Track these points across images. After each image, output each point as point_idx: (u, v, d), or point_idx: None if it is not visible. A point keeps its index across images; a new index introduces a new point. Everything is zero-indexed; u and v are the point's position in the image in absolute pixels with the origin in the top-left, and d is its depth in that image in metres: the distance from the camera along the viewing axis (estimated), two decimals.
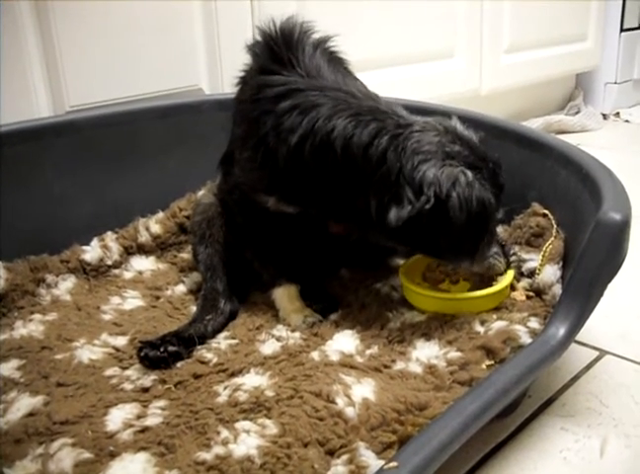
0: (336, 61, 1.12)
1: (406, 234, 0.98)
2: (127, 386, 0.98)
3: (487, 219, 1.02)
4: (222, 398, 0.92)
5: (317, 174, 1.02)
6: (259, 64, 1.08)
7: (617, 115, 2.83)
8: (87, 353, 1.07)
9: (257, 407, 0.89)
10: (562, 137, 1.41)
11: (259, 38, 1.10)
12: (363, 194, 0.99)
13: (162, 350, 1.02)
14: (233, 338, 1.09)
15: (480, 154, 1.02)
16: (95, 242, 1.39)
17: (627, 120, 2.79)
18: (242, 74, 1.15)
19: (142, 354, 1.02)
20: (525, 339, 0.97)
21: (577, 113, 2.74)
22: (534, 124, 2.49)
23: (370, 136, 0.98)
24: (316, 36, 1.11)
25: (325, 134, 0.99)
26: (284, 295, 1.15)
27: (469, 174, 0.98)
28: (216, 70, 1.69)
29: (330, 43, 1.12)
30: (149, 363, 1.01)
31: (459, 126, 1.05)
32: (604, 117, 2.82)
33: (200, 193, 1.46)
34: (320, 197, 1.05)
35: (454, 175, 0.96)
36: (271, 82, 1.04)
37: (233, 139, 1.16)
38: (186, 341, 1.05)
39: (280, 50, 1.06)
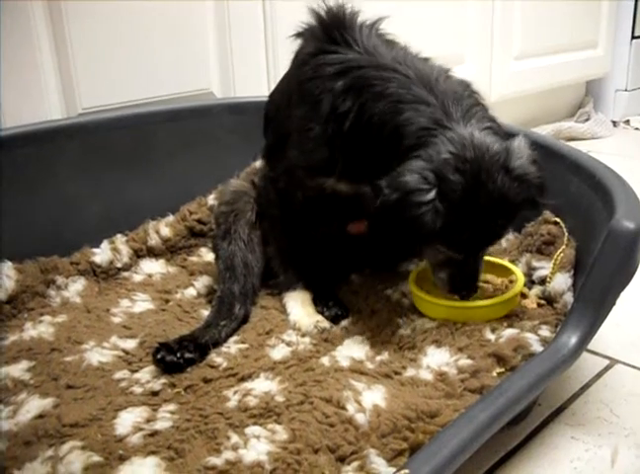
0: (390, 41, 1.12)
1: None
2: (137, 389, 0.98)
3: (407, 222, 0.94)
4: (232, 403, 0.92)
5: (365, 148, 1.03)
6: (316, 46, 1.09)
7: (627, 122, 2.82)
8: (96, 355, 1.07)
9: (267, 412, 0.89)
10: (572, 144, 1.41)
11: (311, 20, 1.11)
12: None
13: (179, 355, 1.01)
14: (243, 342, 1.09)
15: (475, 193, 0.94)
16: (105, 244, 1.39)
17: (637, 128, 2.78)
18: (298, 56, 1.15)
19: (159, 356, 1.01)
20: (536, 347, 0.97)
21: (587, 120, 2.73)
22: (544, 131, 2.49)
23: (400, 125, 0.97)
24: (366, 18, 1.11)
25: (369, 117, 1.01)
26: (297, 300, 1.16)
27: (429, 197, 0.93)
28: (228, 74, 1.69)
29: (381, 26, 1.12)
30: (164, 367, 1.01)
31: (513, 153, 0.99)
32: (615, 124, 2.81)
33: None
34: (367, 169, 1.03)
35: (411, 187, 0.93)
36: (330, 61, 1.06)
37: (287, 124, 1.14)
38: (202, 348, 1.05)
39: (336, 31, 1.07)
